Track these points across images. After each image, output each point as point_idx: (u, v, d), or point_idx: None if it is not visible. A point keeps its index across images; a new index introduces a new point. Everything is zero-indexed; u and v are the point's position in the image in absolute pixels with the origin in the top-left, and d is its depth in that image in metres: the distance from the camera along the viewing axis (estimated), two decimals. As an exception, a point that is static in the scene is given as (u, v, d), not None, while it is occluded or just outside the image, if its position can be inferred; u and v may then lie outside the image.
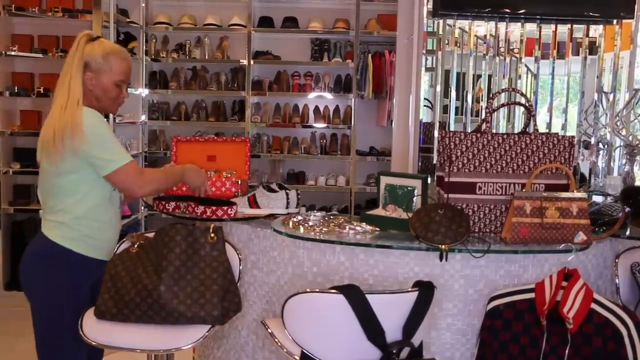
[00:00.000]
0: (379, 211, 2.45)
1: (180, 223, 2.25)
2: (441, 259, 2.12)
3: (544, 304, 2.01)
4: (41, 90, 4.84)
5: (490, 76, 4.05)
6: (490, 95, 3.38)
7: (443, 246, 2.10)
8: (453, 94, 4.03)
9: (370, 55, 5.35)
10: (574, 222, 2.12)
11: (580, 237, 2.13)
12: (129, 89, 5.07)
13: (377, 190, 2.53)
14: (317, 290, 1.92)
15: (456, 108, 4.11)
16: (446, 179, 2.27)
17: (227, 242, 2.31)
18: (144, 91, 5.49)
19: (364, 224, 2.34)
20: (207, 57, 5.52)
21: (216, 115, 5.59)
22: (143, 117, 5.51)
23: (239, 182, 2.75)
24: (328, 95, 5.54)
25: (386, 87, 5.28)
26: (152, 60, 5.56)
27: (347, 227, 2.31)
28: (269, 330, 2.03)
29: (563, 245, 2.12)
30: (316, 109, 5.65)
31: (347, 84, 5.52)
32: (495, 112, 3.63)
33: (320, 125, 5.55)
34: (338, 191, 5.59)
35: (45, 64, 5.03)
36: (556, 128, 4.07)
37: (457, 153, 2.25)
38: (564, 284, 2.03)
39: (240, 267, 2.30)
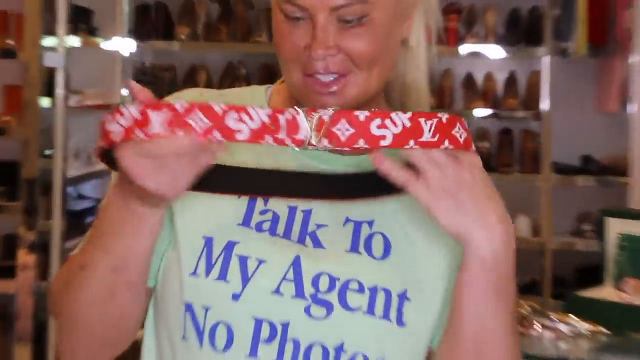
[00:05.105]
0: (606, 292, 2.74)
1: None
2: None
3: None
4: None
5: None
6: None
7: None
8: None
9: (582, -28, 5.48)
10: None
11: None
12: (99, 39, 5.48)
13: (601, 246, 2.85)
14: None
15: None
16: None
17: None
18: (123, 44, 5.56)
19: (574, 317, 2.56)
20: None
21: (267, 86, 5.73)
22: (123, 92, 5.54)
23: None
24: (493, 51, 5.54)
25: (616, 33, 5.30)
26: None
27: (538, 323, 2.53)
28: None
29: None
30: (468, 78, 5.71)
31: (533, 28, 5.52)
32: None
33: (479, 110, 5.58)
34: (518, 247, 5.33)
35: None
36: None
37: None
38: None
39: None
